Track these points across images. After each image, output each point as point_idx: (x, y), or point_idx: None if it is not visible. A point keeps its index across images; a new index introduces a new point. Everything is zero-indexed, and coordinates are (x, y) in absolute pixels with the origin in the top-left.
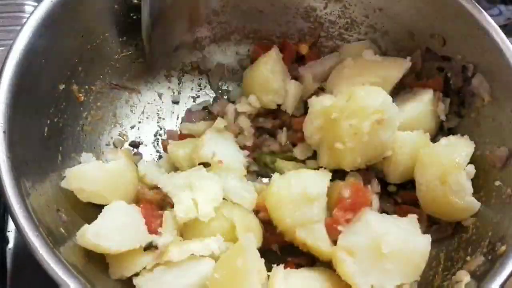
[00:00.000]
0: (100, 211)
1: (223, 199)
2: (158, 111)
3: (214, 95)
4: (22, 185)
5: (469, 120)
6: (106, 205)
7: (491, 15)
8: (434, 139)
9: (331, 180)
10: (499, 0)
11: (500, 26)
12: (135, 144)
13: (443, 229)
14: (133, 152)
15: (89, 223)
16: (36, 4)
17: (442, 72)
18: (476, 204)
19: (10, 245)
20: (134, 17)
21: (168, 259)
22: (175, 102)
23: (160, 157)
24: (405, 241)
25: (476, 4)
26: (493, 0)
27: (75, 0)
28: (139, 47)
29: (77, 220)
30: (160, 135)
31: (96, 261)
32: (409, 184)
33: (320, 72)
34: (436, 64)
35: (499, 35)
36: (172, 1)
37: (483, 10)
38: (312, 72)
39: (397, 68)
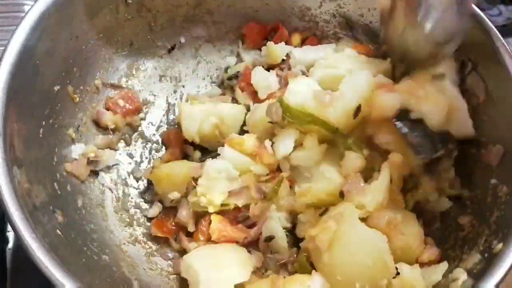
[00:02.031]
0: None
1: None
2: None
3: None
4: (18, 186)
5: None
6: None
7: (491, 15)
8: None
9: None
10: (499, 0)
11: (500, 26)
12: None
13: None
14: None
15: (85, 225)
16: None
17: None
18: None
19: (10, 245)
20: (129, 17)
21: None
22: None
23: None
24: None
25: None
26: (493, 0)
27: (69, 1)
28: (134, 47)
29: (73, 222)
30: (154, 134)
31: (94, 263)
32: None
33: (310, 59)
34: None
35: (494, 34)
36: None
37: (477, 8)
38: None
39: (371, 67)
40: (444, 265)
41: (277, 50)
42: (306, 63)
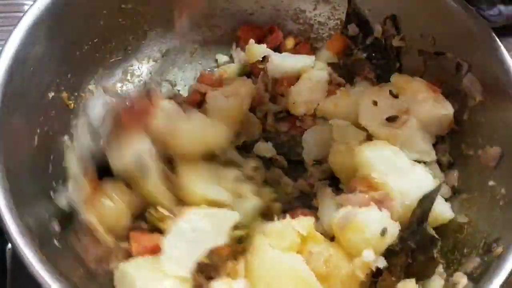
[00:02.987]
0: None
1: None
2: None
3: None
4: (13, 196)
5: (461, 120)
6: None
7: (491, 15)
8: None
9: None
10: (499, 0)
11: (499, 26)
12: None
13: None
14: None
15: None
16: None
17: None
18: None
19: (10, 245)
20: (123, 21)
21: None
22: None
23: None
24: None
25: (466, 4)
26: (492, 0)
27: (63, 6)
28: (128, 52)
29: (69, 231)
30: None
31: (92, 273)
32: None
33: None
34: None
35: (489, 35)
36: None
37: (473, 10)
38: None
39: None
40: (440, 281)
41: (254, 49)
42: (283, 70)
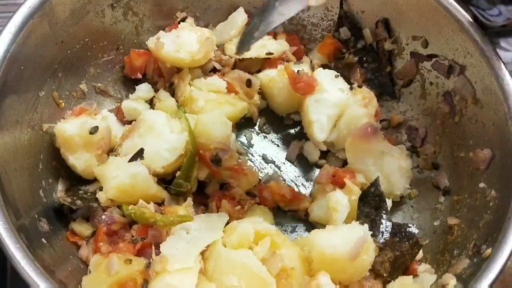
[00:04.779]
0: None
1: None
2: None
3: None
4: (2, 195)
5: (452, 122)
6: None
7: (490, 15)
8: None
9: None
10: (499, 0)
11: (499, 26)
12: None
13: None
14: None
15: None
16: None
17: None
18: None
19: None
20: (115, 20)
21: None
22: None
23: None
24: None
25: (458, 6)
26: (492, 0)
27: (53, 5)
28: (120, 51)
29: (58, 229)
30: None
31: (80, 271)
32: None
33: None
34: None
35: (481, 37)
36: None
37: (464, 12)
38: None
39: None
40: (432, 277)
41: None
42: None
